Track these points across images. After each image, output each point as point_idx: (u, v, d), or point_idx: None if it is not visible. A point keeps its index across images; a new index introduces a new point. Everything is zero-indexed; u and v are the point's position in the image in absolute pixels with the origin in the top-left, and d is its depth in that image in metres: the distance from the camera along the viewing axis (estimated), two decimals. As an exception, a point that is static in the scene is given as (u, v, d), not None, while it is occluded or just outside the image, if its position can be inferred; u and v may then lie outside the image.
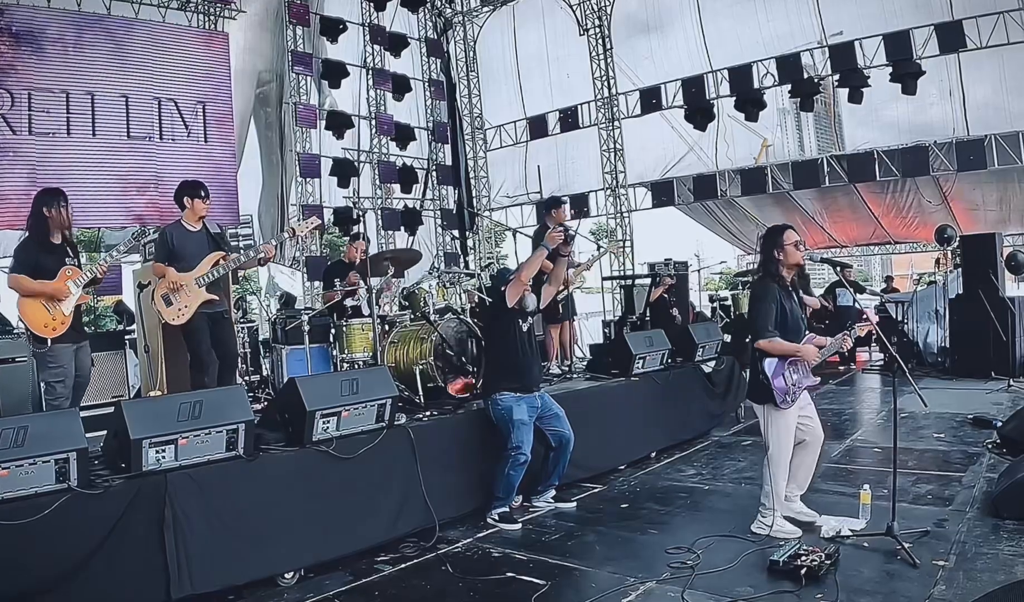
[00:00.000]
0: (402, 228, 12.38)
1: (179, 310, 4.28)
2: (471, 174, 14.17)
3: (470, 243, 13.56)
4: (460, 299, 6.18)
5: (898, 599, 2.93)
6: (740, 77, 11.32)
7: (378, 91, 12.28)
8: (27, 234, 4.02)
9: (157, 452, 3.12)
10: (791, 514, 3.74)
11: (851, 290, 6.09)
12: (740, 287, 9.35)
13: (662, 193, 12.85)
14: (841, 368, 9.61)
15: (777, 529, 3.59)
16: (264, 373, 7.04)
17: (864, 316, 3.79)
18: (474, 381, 4.98)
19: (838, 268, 4.51)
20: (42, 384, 3.87)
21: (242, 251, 4.61)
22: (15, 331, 4.01)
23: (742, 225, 13.48)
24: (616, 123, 12.99)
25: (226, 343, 4.48)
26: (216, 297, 4.39)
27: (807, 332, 3.71)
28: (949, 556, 3.29)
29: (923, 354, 9.56)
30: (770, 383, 3.54)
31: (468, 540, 3.90)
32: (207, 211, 4.48)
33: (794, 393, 3.58)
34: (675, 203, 12.96)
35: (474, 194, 14.29)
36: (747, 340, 3.77)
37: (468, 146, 14.02)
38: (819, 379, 3.78)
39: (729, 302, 9.77)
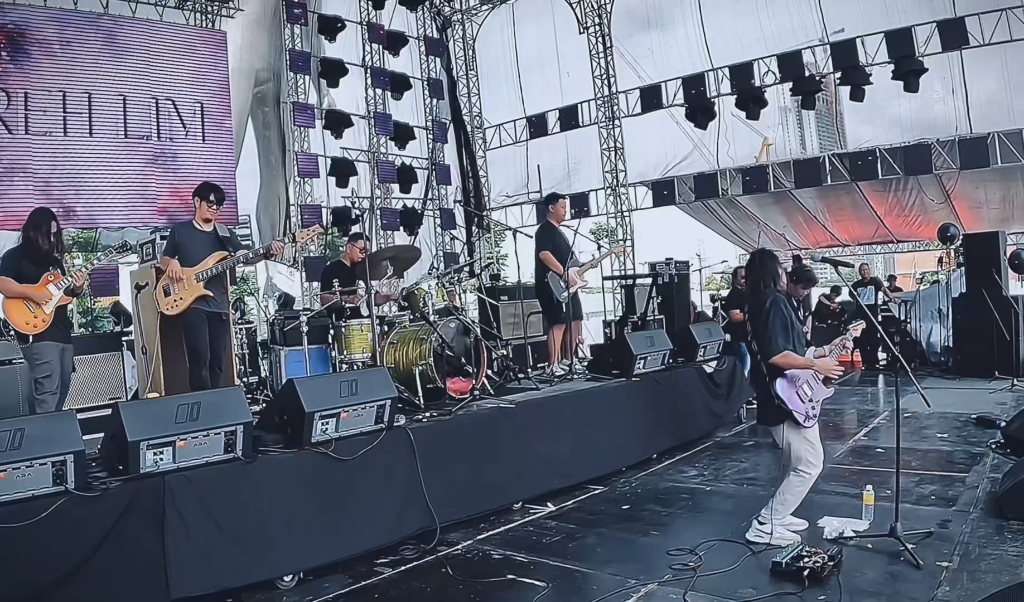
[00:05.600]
0: (401, 228, 12.35)
1: (174, 301, 4.43)
2: (476, 172, 14.15)
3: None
4: (461, 298, 6.17)
5: (902, 600, 2.91)
6: (741, 75, 11.28)
7: (377, 90, 12.25)
8: (19, 241, 4.36)
9: (155, 454, 3.10)
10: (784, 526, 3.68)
11: (847, 288, 6.05)
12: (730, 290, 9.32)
13: (663, 192, 12.82)
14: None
15: (777, 537, 3.55)
16: (262, 374, 7.03)
17: (854, 324, 3.77)
18: (474, 381, 4.96)
19: (840, 267, 4.46)
20: (32, 381, 3.90)
21: (245, 251, 4.68)
22: (9, 333, 4.06)
23: (744, 224, 13.44)
24: (616, 121, 12.96)
25: (216, 345, 4.57)
26: (211, 293, 4.49)
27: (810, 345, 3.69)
28: (953, 557, 3.27)
29: (926, 353, 9.54)
30: (786, 405, 3.48)
31: (468, 542, 3.88)
32: (212, 216, 4.60)
33: (814, 408, 3.54)
34: (676, 202, 12.93)
35: (486, 192, 14.25)
36: (754, 356, 3.70)
37: (467, 143, 14.00)
38: (832, 389, 3.74)
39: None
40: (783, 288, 3.65)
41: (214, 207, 4.57)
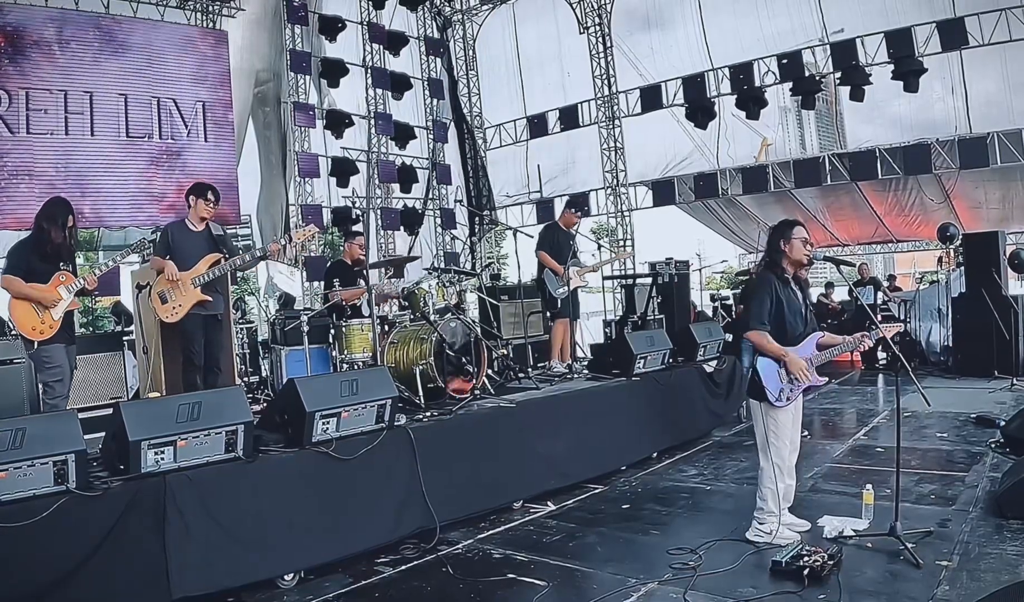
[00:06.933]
0: (401, 228, 12.36)
1: (173, 308, 4.35)
2: (480, 171, 14.17)
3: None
4: (461, 298, 6.19)
5: (901, 600, 2.91)
6: (741, 75, 11.28)
7: (377, 90, 12.26)
8: (28, 235, 4.08)
9: (156, 453, 3.10)
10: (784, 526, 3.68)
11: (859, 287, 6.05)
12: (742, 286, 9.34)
13: (663, 192, 12.82)
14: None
15: (777, 536, 3.54)
16: (263, 374, 7.04)
17: (875, 327, 3.68)
18: (474, 381, 4.97)
19: (841, 267, 4.45)
20: (39, 384, 3.88)
21: (241, 253, 4.65)
22: (13, 333, 4.01)
23: (743, 224, 13.45)
24: (616, 121, 12.97)
25: (212, 346, 4.54)
26: (210, 298, 4.44)
27: (815, 330, 3.65)
28: (952, 556, 3.27)
29: (926, 353, 9.54)
30: (760, 379, 3.49)
31: (469, 541, 3.88)
32: (210, 214, 4.57)
33: (790, 392, 3.51)
34: (676, 202, 12.94)
35: (492, 190, 14.27)
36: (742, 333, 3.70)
37: (472, 142, 14.02)
38: (825, 379, 3.72)
39: (731, 301, 9.75)
40: (785, 266, 3.57)
41: (212, 205, 4.51)
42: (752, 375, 3.55)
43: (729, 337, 6.95)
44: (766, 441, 3.56)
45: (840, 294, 11.17)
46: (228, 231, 10.46)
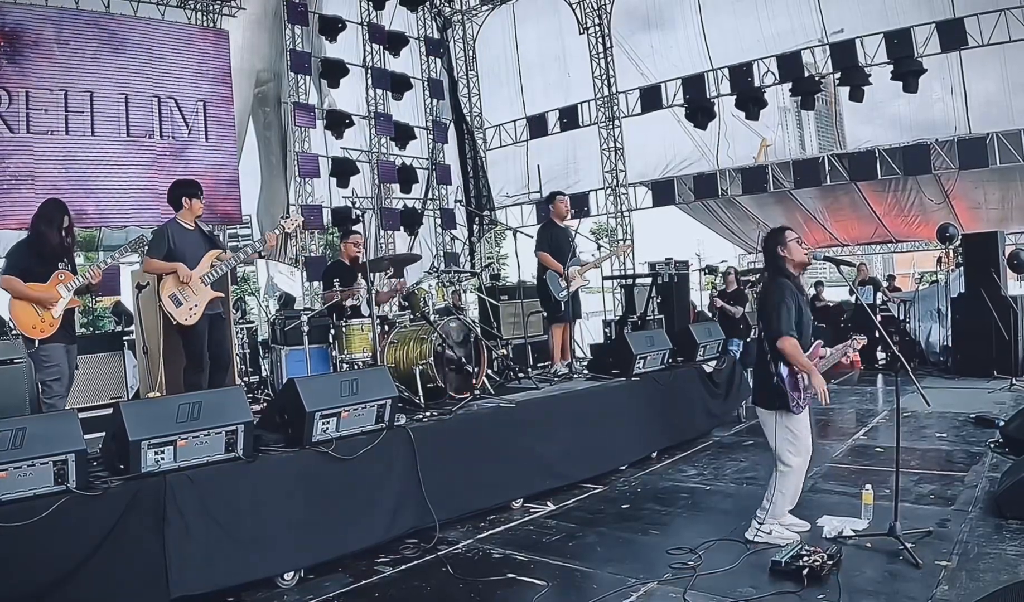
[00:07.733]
0: (401, 228, 12.37)
1: (191, 309, 4.26)
2: (479, 171, 14.18)
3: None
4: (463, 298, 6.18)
5: (900, 600, 2.92)
6: (741, 75, 11.30)
7: (377, 90, 12.27)
8: (26, 235, 4.09)
9: (156, 453, 3.10)
10: (784, 526, 3.68)
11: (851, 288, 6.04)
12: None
13: (663, 192, 12.83)
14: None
15: (776, 536, 3.55)
16: (263, 374, 7.04)
17: (858, 337, 3.70)
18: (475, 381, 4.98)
19: (841, 267, 4.45)
20: (38, 384, 3.88)
21: (241, 250, 4.66)
22: (13, 332, 4.01)
23: (743, 224, 13.46)
24: (616, 122, 12.98)
25: (220, 344, 4.51)
26: (223, 294, 4.43)
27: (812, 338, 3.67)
28: (952, 556, 3.28)
29: (925, 353, 9.55)
30: (785, 387, 3.47)
31: (468, 541, 3.88)
32: (203, 210, 4.51)
33: (806, 397, 3.53)
34: (676, 202, 12.95)
35: (492, 191, 14.27)
36: (752, 338, 3.72)
37: (472, 143, 14.02)
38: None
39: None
40: (791, 270, 3.58)
41: (203, 201, 4.46)
42: (776, 384, 3.51)
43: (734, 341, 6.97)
44: (781, 450, 3.54)
45: (833, 294, 11.18)
46: (228, 231, 10.40)
